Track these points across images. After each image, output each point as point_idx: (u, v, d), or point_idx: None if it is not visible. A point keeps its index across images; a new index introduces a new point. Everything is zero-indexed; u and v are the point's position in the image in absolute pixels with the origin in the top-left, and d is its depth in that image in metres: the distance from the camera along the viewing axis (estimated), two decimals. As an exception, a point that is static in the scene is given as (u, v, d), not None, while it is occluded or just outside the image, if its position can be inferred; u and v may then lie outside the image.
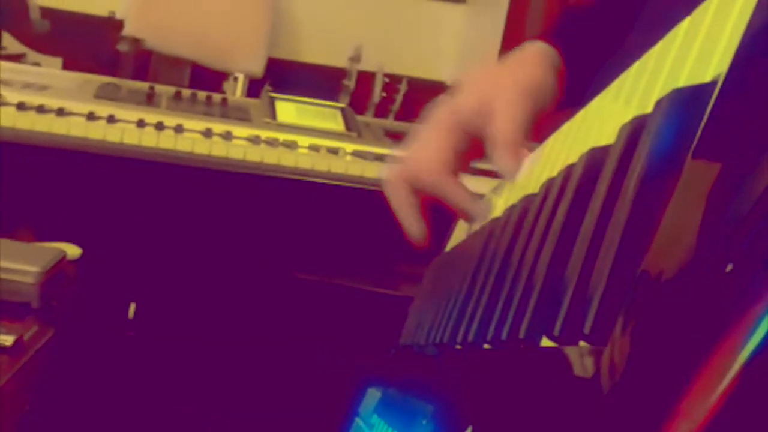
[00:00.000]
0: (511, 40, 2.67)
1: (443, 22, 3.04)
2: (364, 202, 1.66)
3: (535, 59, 0.86)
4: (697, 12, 0.42)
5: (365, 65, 2.82)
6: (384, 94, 2.83)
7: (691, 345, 0.29)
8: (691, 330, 0.29)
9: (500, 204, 0.73)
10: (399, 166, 0.85)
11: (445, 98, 0.86)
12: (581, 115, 0.59)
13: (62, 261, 1.23)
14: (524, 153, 0.75)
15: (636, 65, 0.50)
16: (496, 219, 0.70)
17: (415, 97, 2.82)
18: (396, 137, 1.97)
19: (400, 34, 3.00)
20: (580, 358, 0.40)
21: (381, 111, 2.82)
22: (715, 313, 0.28)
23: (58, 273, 1.20)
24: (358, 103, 2.70)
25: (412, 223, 0.83)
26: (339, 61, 2.84)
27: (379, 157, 1.75)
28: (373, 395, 0.89)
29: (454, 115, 0.83)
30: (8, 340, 1.02)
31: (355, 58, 2.82)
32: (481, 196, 0.83)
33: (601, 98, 0.55)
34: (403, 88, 2.84)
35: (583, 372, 0.39)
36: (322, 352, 1.64)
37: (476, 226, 0.80)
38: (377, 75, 2.82)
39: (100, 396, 1.55)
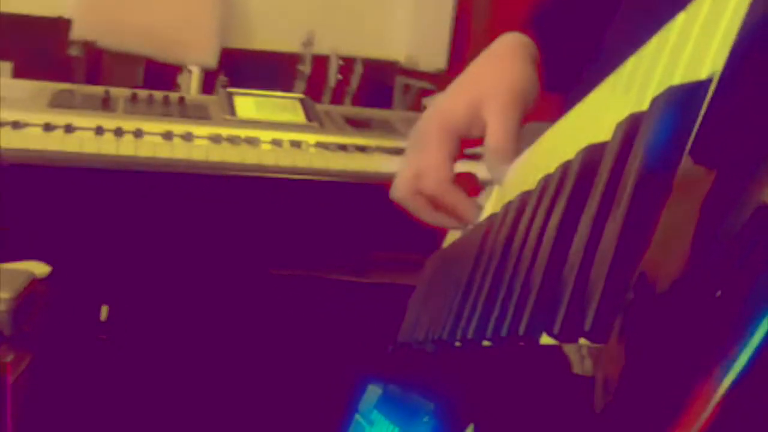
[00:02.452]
0: (461, 16, 2.67)
1: (393, 0, 3.02)
2: (330, 193, 1.66)
3: (516, 54, 0.87)
4: (692, 7, 0.42)
5: (319, 49, 2.80)
6: (340, 77, 2.81)
7: (683, 361, 0.29)
8: (683, 346, 0.29)
9: (497, 201, 0.73)
10: (403, 180, 0.87)
11: (432, 103, 0.88)
12: (577, 111, 0.59)
13: (32, 283, 1.22)
14: (514, 158, 0.77)
15: (631, 61, 0.49)
16: (494, 215, 0.70)
17: (370, 78, 2.81)
18: (356, 124, 1.96)
19: (351, 16, 2.98)
20: (579, 356, 0.40)
21: (338, 94, 2.80)
22: (706, 329, 0.28)
23: (29, 296, 1.18)
24: (314, 88, 2.68)
25: (443, 223, 0.88)
26: (292, 46, 2.82)
27: (342, 147, 1.74)
28: (373, 391, 0.89)
29: (446, 125, 0.85)
30: (-15, 372, 1.01)
31: (308, 43, 2.80)
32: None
33: (597, 94, 0.55)
34: (358, 69, 2.82)
35: (582, 370, 0.39)
36: (311, 348, 1.64)
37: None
38: (332, 58, 2.81)
39: (84, 407, 1.54)
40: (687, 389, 0.27)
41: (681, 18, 0.43)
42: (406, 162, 0.88)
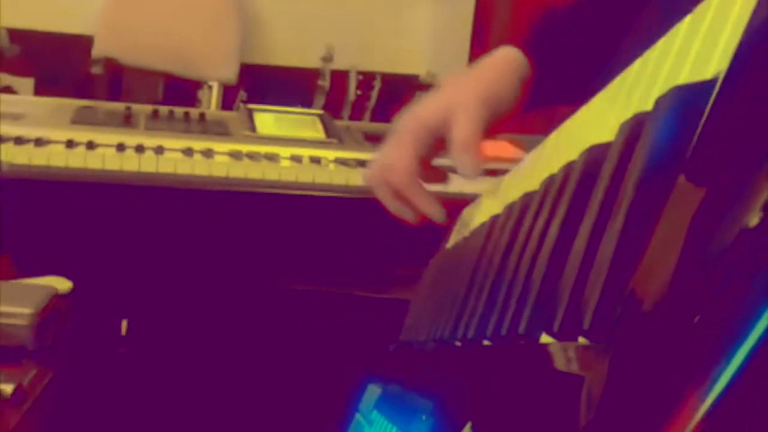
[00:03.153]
0: (480, 31, 2.68)
1: (413, 16, 3.03)
2: (350, 209, 1.66)
3: (501, 67, 0.92)
4: (698, 10, 0.42)
5: (338, 64, 2.81)
6: (359, 92, 2.82)
7: (664, 384, 0.29)
8: (664, 368, 0.30)
9: (499, 202, 0.74)
10: (373, 169, 0.94)
11: (413, 103, 0.93)
12: (582, 112, 0.59)
13: (54, 298, 1.22)
14: (479, 153, 0.85)
15: (637, 63, 0.50)
16: (496, 216, 0.71)
17: (389, 92, 2.82)
18: (375, 139, 1.96)
19: (370, 31, 2.99)
20: (575, 357, 0.40)
21: (357, 109, 2.82)
22: (686, 353, 0.28)
23: (51, 311, 1.19)
24: (333, 103, 2.70)
25: (402, 213, 0.93)
26: (312, 62, 2.84)
27: (362, 163, 1.75)
28: (373, 391, 0.90)
29: (420, 121, 0.91)
30: (8, 388, 1.01)
31: (328, 58, 2.82)
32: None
33: (602, 95, 0.56)
34: (377, 84, 2.84)
35: (571, 370, 0.40)
36: (321, 356, 1.64)
37: (476, 224, 0.81)
38: (351, 73, 2.82)
39: (105, 421, 1.55)
40: (668, 412, 0.28)
41: (687, 21, 0.43)
42: (381, 152, 0.95)
